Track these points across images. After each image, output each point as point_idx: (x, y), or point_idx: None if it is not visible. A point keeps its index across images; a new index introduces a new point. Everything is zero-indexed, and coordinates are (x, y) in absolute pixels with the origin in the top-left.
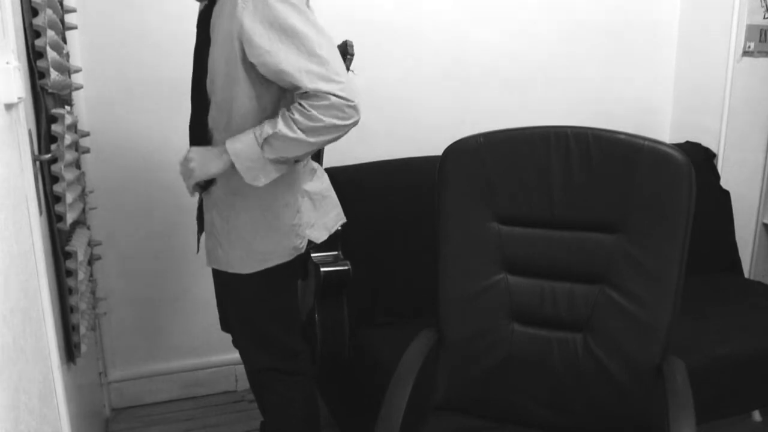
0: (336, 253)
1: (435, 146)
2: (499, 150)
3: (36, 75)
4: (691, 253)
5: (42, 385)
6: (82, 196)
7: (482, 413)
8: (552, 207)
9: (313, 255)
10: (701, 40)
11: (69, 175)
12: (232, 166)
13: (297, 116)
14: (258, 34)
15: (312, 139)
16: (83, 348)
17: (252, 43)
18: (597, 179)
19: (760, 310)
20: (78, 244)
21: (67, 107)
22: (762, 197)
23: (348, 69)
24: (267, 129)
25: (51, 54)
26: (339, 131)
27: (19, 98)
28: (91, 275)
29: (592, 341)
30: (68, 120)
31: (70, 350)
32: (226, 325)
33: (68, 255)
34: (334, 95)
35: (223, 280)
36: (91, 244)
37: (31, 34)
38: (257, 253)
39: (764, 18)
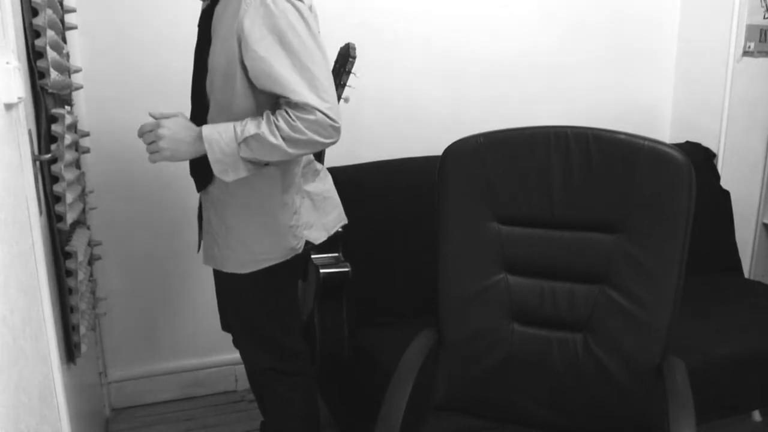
0: (337, 254)
1: (435, 146)
2: (499, 150)
3: (36, 75)
4: (691, 253)
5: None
6: (82, 196)
7: (482, 413)
8: (552, 207)
9: (313, 256)
10: (701, 40)
11: (69, 175)
12: (204, 154)
13: (281, 123)
14: (255, 38)
15: (290, 150)
16: (83, 348)
17: (248, 46)
18: (597, 179)
19: (760, 310)
20: (78, 244)
21: (67, 107)
22: (762, 197)
23: (350, 71)
24: (249, 128)
25: (51, 54)
26: (316, 147)
27: (19, 98)
28: (91, 275)
29: (592, 341)
30: (68, 120)
31: (70, 350)
32: (226, 325)
33: (68, 255)
34: (321, 112)
35: (224, 280)
36: (91, 244)
37: (31, 34)
38: (254, 253)
39: (764, 18)
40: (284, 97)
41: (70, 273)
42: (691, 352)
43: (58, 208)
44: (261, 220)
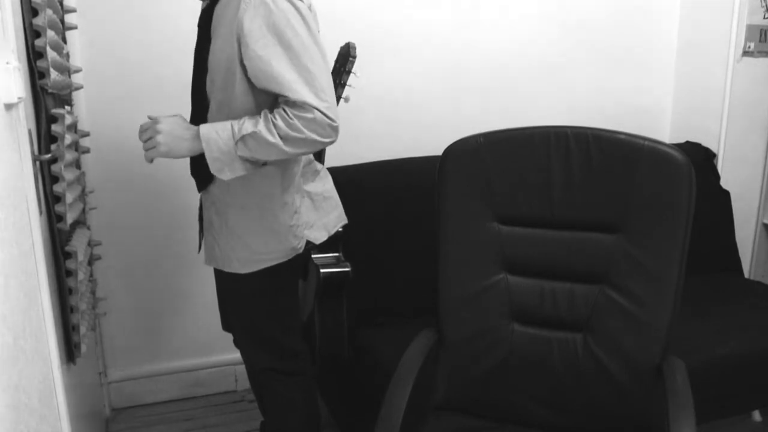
0: (337, 254)
1: (435, 146)
2: (499, 150)
3: (36, 75)
4: (691, 253)
5: (42, 385)
6: (82, 196)
7: (482, 413)
8: (552, 207)
9: (313, 256)
10: (701, 40)
11: (69, 175)
12: (201, 152)
13: (279, 122)
14: (254, 37)
15: (287, 148)
16: (83, 348)
17: (247, 45)
18: (597, 179)
19: (760, 310)
20: (78, 244)
21: (67, 107)
22: (762, 197)
23: (350, 71)
24: (247, 126)
25: (51, 54)
26: (314, 147)
27: (19, 98)
28: (91, 275)
29: (592, 341)
30: (68, 120)
31: (70, 350)
32: (227, 325)
33: (68, 255)
34: (319, 111)
35: (224, 280)
36: (91, 244)
37: (31, 34)
38: (254, 252)
39: (764, 18)
40: (283, 96)
41: (70, 273)
42: (691, 352)
43: (58, 208)
44: (262, 220)
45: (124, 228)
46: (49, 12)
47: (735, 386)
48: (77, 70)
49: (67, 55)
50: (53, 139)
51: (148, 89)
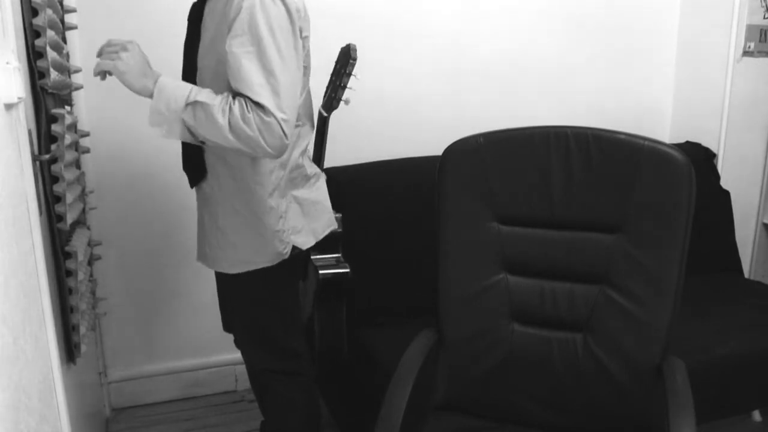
0: (337, 255)
1: (435, 146)
2: (499, 150)
3: (36, 75)
4: (691, 253)
5: (42, 385)
6: (82, 196)
7: (482, 413)
8: (552, 207)
9: (313, 257)
10: (701, 40)
11: (69, 175)
12: (150, 95)
13: (235, 108)
14: (235, 32)
15: (230, 136)
16: (83, 348)
17: (228, 40)
18: (597, 179)
19: (760, 310)
20: (78, 244)
21: (67, 107)
22: (762, 197)
23: (350, 73)
24: (203, 95)
25: (51, 54)
26: (255, 150)
27: (19, 98)
28: (91, 275)
29: (592, 341)
30: (68, 120)
31: (70, 350)
32: (228, 326)
33: (68, 255)
34: (276, 120)
35: (225, 280)
36: (91, 244)
37: (31, 34)
38: (241, 254)
39: (764, 18)
40: (246, 97)
41: (70, 273)
42: (691, 352)
43: (58, 208)
44: (249, 222)
45: (124, 228)
46: (49, 12)
47: (735, 386)
48: (77, 70)
49: (67, 55)
50: (53, 139)
51: None
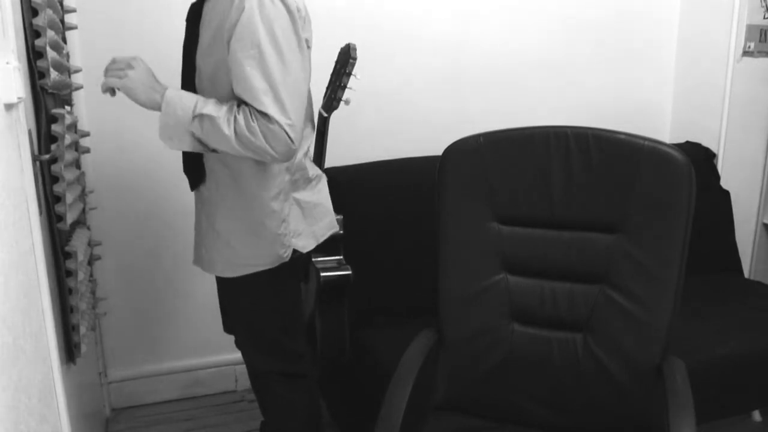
0: (339, 257)
1: (435, 146)
2: (499, 150)
3: (36, 75)
4: (691, 253)
5: (42, 385)
6: (82, 196)
7: (482, 413)
8: (552, 207)
9: (314, 259)
10: (701, 40)
11: (69, 175)
12: (158, 109)
13: (240, 118)
14: (237, 36)
15: (237, 146)
16: (83, 348)
17: (231, 44)
18: (597, 179)
19: (760, 310)
20: (78, 244)
21: (67, 107)
22: (762, 197)
23: (350, 73)
24: (209, 108)
25: (51, 54)
26: (264, 157)
27: (19, 98)
28: (91, 275)
29: (592, 341)
30: (68, 120)
31: (70, 350)
32: (228, 327)
33: (68, 255)
34: (281, 126)
35: (224, 282)
36: (91, 244)
37: (31, 34)
38: (240, 257)
39: (764, 18)
40: (249, 105)
41: (70, 273)
42: (691, 352)
43: (58, 208)
44: (248, 225)
45: (124, 228)
46: (49, 12)
47: (735, 386)
48: (77, 70)
49: (67, 55)
50: (53, 139)
51: None
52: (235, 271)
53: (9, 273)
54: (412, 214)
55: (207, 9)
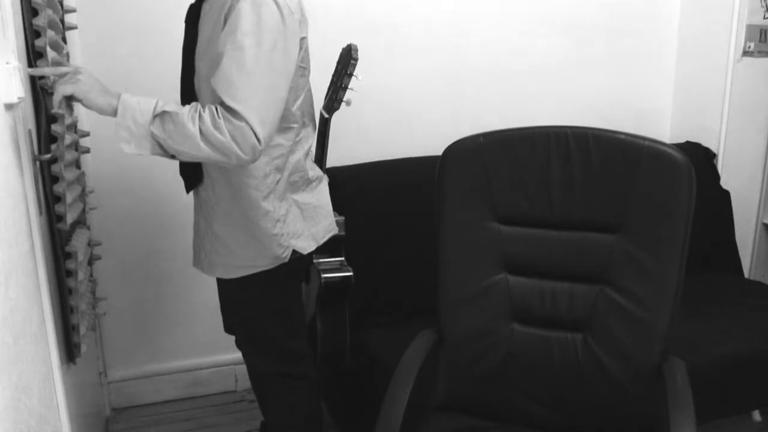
0: (341, 259)
1: (435, 146)
2: (499, 150)
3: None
4: (691, 253)
5: (42, 385)
6: (82, 196)
7: (482, 413)
8: (552, 207)
9: (316, 260)
10: (701, 41)
11: (69, 175)
12: (114, 113)
13: (205, 115)
14: (225, 31)
15: (202, 144)
16: (83, 348)
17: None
18: (597, 179)
19: (760, 310)
20: (78, 244)
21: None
22: (762, 197)
23: (351, 74)
24: (171, 106)
25: (51, 54)
26: (229, 156)
27: (19, 98)
28: (91, 275)
29: (592, 341)
30: (68, 120)
31: (70, 350)
32: (229, 327)
33: (68, 255)
34: (249, 125)
35: (227, 283)
36: (91, 244)
37: (31, 34)
38: (238, 259)
39: (764, 18)
40: (220, 100)
41: (70, 273)
42: (691, 352)
43: (58, 208)
44: (244, 226)
45: (124, 228)
46: (49, 12)
47: (735, 386)
48: None
49: (67, 55)
50: (53, 139)
51: (149, 89)
52: (234, 272)
53: (9, 273)
54: (411, 214)
55: (205, 9)
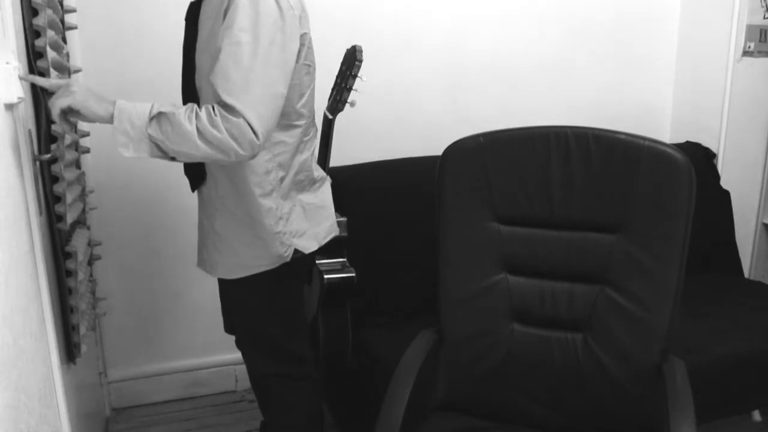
0: (343, 260)
1: (435, 146)
2: (499, 150)
3: (36, 75)
4: (691, 253)
5: (42, 385)
6: (82, 196)
7: (482, 413)
8: (552, 207)
9: (318, 261)
10: (701, 40)
11: (69, 175)
12: (111, 119)
13: (202, 113)
14: (224, 26)
15: (200, 143)
16: (83, 348)
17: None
18: (597, 179)
19: (760, 310)
20: (78, 244)
21: None
22: (762, 197)
23: (356, 75)
24: (166, 107)
25: (51, 54)
26: (228, 154)
27: (19, 98)
28: (91, 275)
29: (592, 341)
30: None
31: (70, 350)
32: (229, 327)
33: (68, 255)
34: (246, 120)
35: (228, 284)
36: (91, 244)
37: (31, 34)
38: (241, 258)
39: (764, 18)
40: (218, 96)
41: (70, 273)
42: (691, 352)
43: (58, 208)
44: (247, 225)
45: (124, 228)
46: (49, 12)
47: (735, 386)
48: (77, 70)
49: (67, 55)
50: (53, 139)
51: (149, 89)
52: (237, 272)
53: (9, 273)
54: (411, 214)
55: (204, 7)
